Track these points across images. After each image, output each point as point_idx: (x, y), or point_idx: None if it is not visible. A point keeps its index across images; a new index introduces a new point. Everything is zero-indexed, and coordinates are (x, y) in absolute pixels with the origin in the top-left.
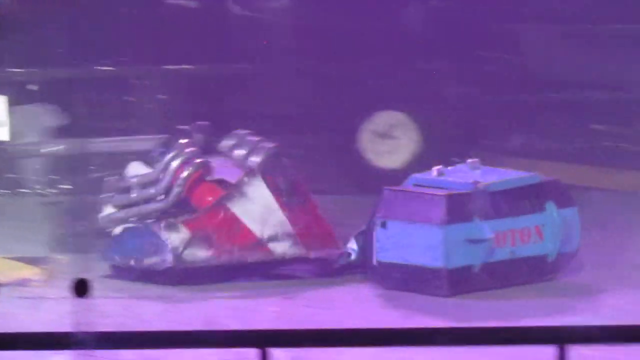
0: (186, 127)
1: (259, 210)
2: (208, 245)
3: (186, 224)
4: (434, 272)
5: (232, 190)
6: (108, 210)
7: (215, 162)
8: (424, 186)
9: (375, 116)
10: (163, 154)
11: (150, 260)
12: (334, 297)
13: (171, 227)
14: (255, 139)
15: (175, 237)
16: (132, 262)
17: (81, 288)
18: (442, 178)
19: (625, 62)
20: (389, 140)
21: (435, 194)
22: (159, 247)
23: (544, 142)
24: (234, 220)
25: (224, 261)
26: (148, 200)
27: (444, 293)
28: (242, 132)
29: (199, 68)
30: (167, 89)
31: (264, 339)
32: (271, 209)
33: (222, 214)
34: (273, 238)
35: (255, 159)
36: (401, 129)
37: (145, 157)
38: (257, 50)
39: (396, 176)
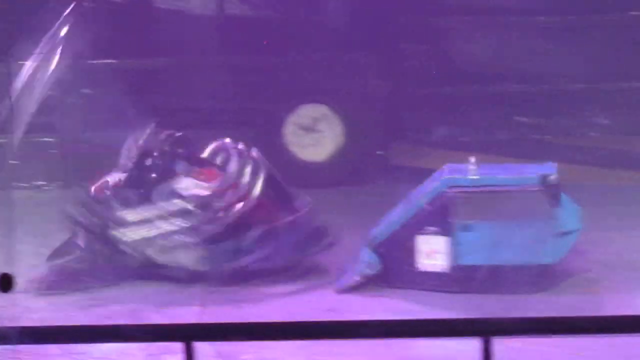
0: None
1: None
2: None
3: None
4: (541, 269)
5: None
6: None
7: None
8: (477, 185)
9: (299, 109)
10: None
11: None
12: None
13: None
14: (233, 148)
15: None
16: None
17: (5, 283)
18: (489, 176)
19: (547, 54)
20: (313, 134)
21: (525, 189)
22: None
23: (468, 135)
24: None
25: None
26: None
27: (541, 289)
28: (225, 141)
29: (123, 62)
30: (91, 84)
31: (188, 333)
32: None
33: None
34: None
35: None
36: (325, 122)
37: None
38: (178, 44)
39: (323, 169)
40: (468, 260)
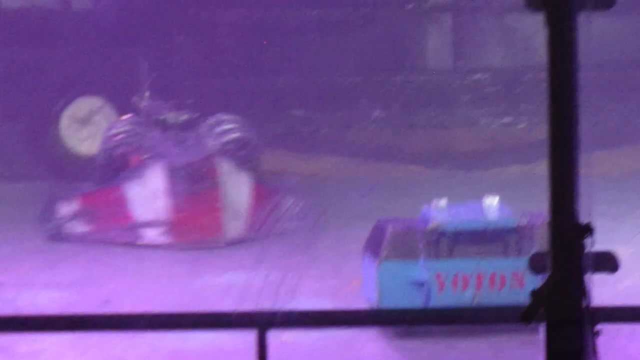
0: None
1: (147, 194)
2: (89, 222)
3: (81, 197)
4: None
5: (132, 171)
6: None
7: (157, 139)
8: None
9: (75, 102)
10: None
11: (45, 227)
12: None
13: (67, 198)
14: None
15: (65, 209)
16: (40, 225)
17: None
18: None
19: (321, 48)
20: (89, 126)
21: (383, 229)
22: (51, 216)
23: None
24: (122, 201)
25: (97, 239)
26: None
27: (388, 334)
28: (224, 115)
29: None
30: None
31: None
32: (157, 195)
33: (114, 194)
34: (148, 224)
35: (223, 140)
36: (101, 115)
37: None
38: None
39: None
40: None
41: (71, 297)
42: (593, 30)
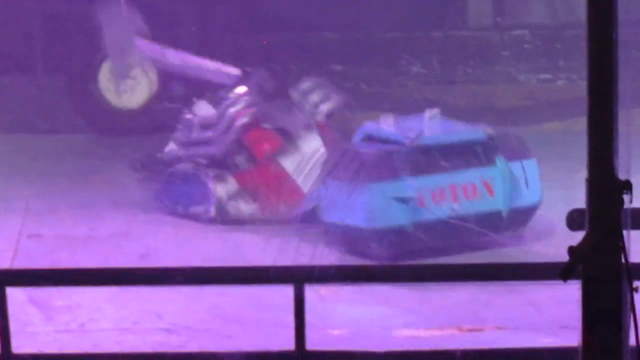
0: (251, 70)
1: (309, 165)
2: (254, 200)
3: (236, 175)
4: (362, 232)
5: (288, 143)
6: (171, 146)
7: (277, 109)
8: (371, 139)
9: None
10: (222, 98)
11: (195, 209)
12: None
13: (220, 178)
14: (326, 88)
15: (222, 189)
16: (179, 208)
17: None
18: (387, 130)
19: (355, 2)
20: (128, 80)
21: (359, 152)
22: (204, 196)
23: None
24: (284, 175)
25: (267, 216)
26: (206, 143)
27: (376, 254)
28: (314, 79)
29: None
30: None
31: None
32: (320, 165)
33: (272, 168)
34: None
35: (323, 109)
36: (141, 68)
37: (212, 97)
38: None
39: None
40: (325, 217)
41: (109, 251)
42: None
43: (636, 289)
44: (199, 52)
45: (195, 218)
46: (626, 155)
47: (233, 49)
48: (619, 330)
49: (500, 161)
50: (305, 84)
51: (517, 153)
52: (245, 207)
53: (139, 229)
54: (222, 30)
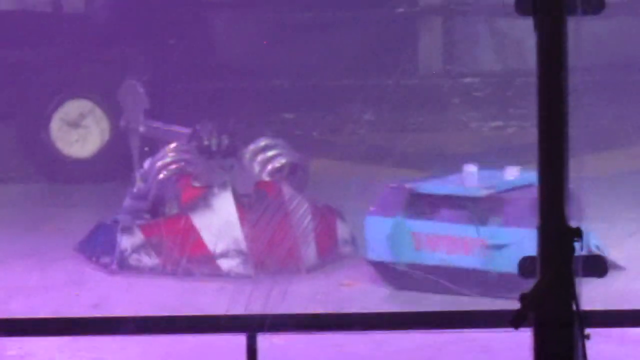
0: (199, 127)
1: (219, 223)
2: (158, 253)
3: (142, 228)
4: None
5: (197, 200)
6: (127, 201)
7: (211, 167)
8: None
9: (65, 105)
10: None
11: (103, 260)
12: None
13: (126, 230)
14: (279, 146)
15: (127, 241)
16: (93, 259)
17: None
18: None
19: (311, 49)
20: (79, 129)
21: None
22: (111, 247)
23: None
24: (191, 231)
25: (169, 271)
26: (139, 197)
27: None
28: (267, 139)
29: None
30: None
31: None
32: (231, 224)
33: (181, 223)
34: (224, 254)
35: (275, 166)
36: (91, 118)
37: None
38: None
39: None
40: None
41: (61, 300)
42: (583, 33)
43: (588, 336)
44: (150, 101)
45: (104, 268)
46: (578, 202)
47: (184, 97)
48: None
49: (497, 223)
50: (259, 143)
51: (516, 220)
52: (147, 260)
53: (92, 278)
54: (174, 78)
